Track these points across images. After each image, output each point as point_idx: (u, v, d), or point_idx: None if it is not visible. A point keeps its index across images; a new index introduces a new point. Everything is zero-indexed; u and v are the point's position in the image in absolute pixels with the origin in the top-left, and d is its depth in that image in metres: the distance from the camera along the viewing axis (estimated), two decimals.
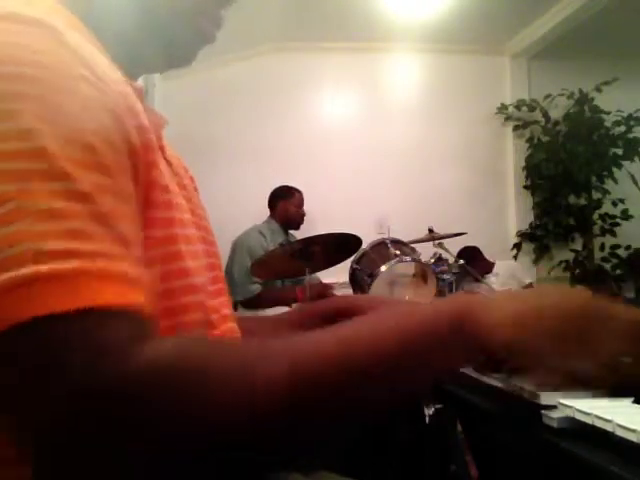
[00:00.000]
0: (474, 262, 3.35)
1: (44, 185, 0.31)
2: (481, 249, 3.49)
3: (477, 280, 2.61)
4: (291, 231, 3.11)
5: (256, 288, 2.72)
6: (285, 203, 3.01)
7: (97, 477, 0.31)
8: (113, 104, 0.38)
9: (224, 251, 2.77)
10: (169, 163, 0.52)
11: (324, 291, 2.60)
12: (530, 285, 3.53)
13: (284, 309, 2.42)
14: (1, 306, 0.29)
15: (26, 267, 0.29)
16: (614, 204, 3.74)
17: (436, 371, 0.41)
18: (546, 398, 0.43)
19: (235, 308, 2.72)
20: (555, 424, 0.40)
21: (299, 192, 3.07)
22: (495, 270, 3.50)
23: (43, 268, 0.29)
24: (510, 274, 3.50)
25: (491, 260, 3.52)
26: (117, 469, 0.30)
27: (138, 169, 0.39)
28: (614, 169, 3.65)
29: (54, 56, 0.35)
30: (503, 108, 3.92)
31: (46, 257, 0.30)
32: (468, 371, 0.57)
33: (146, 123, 0.42)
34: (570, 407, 0.40)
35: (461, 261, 2.27)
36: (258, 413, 0.33)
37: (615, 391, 0.43)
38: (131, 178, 0.38)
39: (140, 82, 0.57)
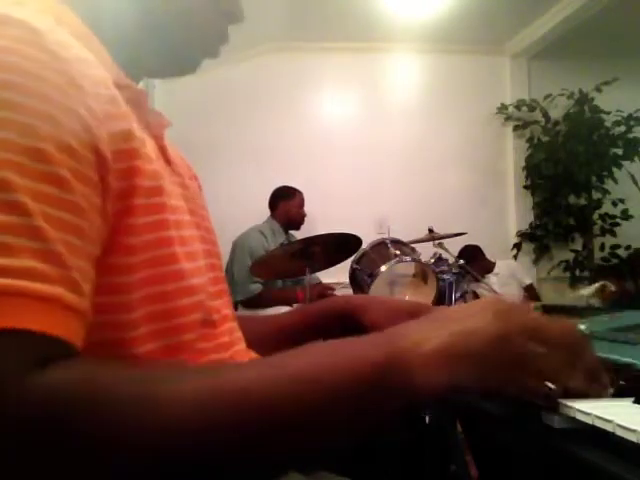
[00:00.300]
0: (475, 261, 3.36)
1: None
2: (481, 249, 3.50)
3: (477, 280, 2.61)
4: (291, 231, 3.11)
5: (256, 288, 2.72)
6: (286, 203, 3.01)
7: None
8: (84, 110, 0.36)
9: (224, 251, 2.76)
10: (169, 163, 0.52)
11: (324, 291, 2.60)
12: (530, 286, 3.54)
13: (284, 308, 2.42)
14: None
15: None
16: (614, 204, 3.74)
17: (372, 419, 0.38)
18: None
19: (235, 308, 2.73)
20: (555, 424, 0.40)
21: (300, 192, 3.07)
22: (496, 270, 3.51)
23: None
24: (510, 274, 3.50)
25: (492, 260, 3.53)
26: None
27: (106, 179, 0.37)
28: (614, 169, 3.65)
29: (27, 59, 0.34)
30: (503, 108, 3.92)
31: None
32: None
33: (129, 127, 0.41)
34: (570, 407, 0.40)
35: (461, 261, 2.27)
36: (158, 445, 0.31)
37: (616, 392, 0.43)
38: (96, 189, 0.36)
39: (140, 83, 0.57)
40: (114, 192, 0.38)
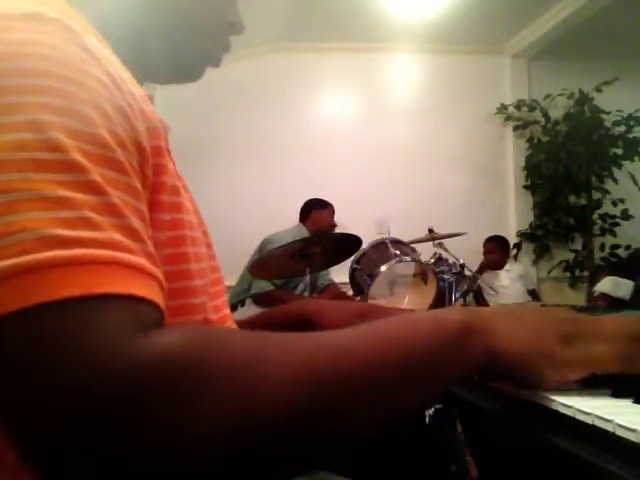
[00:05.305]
0: (499, 254, 3.37)
1: (53, 175, 0.31)
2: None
3: (477, 279, 2.62)
4: None
5: (266, 286, 2.75)
6: (319, 213, 3.06)
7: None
8: (126, 106, 0.37)
9: (222, 251, 2.76)
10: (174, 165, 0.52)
11: (338, 294, 2.62)
12: (533, 291, 3.54)
13: None
14: (3, 293, 0.28)
15: (32, 254, 0.29)
16: (614, 204, 3.74)
17: (445, 380, 0.41)
18: (545, 398, 0.43)
19: (234, 309, 2.74)
20: (555, 424, 0.40)
21: (332, 205, 3.13)
22: (507, 266, 3.52)
23: (49, 254, 0.29)
24: (519, 275, 3.51)
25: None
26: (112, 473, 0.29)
27: (145, 172, 0.39)
28: (614, 169, 3.65)
29: (73, 55, 0.35)
30: (503, 108, 3.92)
31: (53, 244, 0.29)
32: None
33: (158, 124, 0.42)
34: (570, 407, 0.40)
35: (461, 260, 2.27)
36: (268, 410, 0.31)
37: (616, 392, 0.43)
38: (139, 180, 0.38)
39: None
40: (149, 186, 0.40)
